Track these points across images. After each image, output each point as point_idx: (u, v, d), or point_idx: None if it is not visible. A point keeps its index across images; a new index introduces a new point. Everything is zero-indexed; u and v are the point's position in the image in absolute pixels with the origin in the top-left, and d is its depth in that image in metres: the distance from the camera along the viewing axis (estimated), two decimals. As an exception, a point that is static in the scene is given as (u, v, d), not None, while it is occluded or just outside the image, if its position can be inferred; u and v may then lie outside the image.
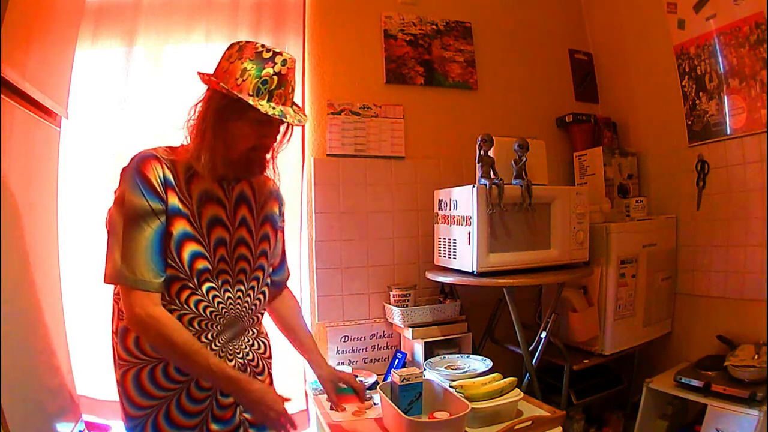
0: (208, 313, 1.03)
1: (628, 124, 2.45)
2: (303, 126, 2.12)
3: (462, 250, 1.81)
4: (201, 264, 1.02)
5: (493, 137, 1.80)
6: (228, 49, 1.04)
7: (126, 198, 0.95)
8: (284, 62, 1.01)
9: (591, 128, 2.43)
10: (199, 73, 1.03)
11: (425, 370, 1.72)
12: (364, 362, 2.05)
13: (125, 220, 0.95)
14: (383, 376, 1.98)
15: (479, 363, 1.76)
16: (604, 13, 2.53)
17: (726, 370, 1.69)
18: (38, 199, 1.46)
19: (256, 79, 0.98)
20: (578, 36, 2.61)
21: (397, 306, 1.97)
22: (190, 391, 1.04)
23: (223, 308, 1.06)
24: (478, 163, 1.80)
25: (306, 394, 1.95)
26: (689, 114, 2.09)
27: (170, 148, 1.06)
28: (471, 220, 1.73)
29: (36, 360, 1.36)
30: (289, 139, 1.13)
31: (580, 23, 2.62)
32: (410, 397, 1.42)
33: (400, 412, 1.32)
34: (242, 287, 1.11)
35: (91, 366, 1.78)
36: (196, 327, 1.02)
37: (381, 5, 2.19)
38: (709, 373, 1.74)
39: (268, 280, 1.22)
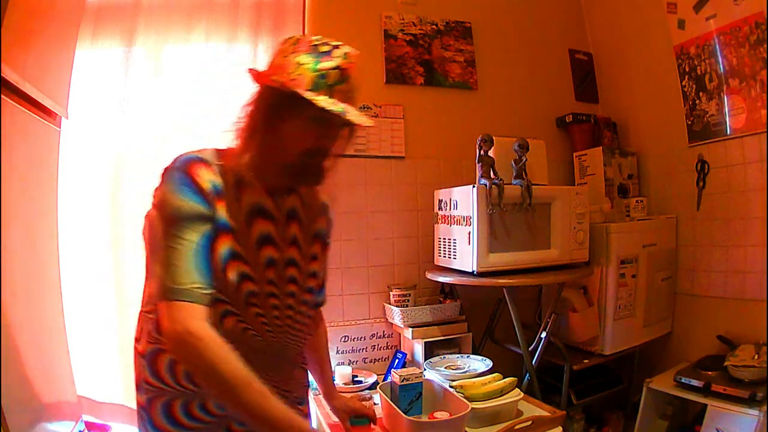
0: (254, 342, 0.90)
1: (628, 124, 2.45)
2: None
3: (462, 250, 1.81)
4: (248, 287, 0.88)
5: (493, 137, 1.80)
6: (281, 44, 0.92)
7: (168, 199, 0.82)
8: (345, 55, 0.89)
9: (591, 128, 2.43)
10: (250, 70, 0.91)
11: (425, 370, 1.72)
12: (364, 362, 2.04)
13: (166, 224, 0.81)
14: (383, 376, 1.98)
15: (479, 363, 1.76)
16: (604, 13, 2.53)
17: (726, 370, 1.69)
18: (38, 199, 1.46)
19: (314, 73, 0.85)
20: (578, 36, 2.61)
21: (397, 306, 1.97)
22: (230, 426, 0.91)
23: (271, 336, 0.93)
24: (478, 163, 1.80)
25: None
26: (689, 114, 2.09)
27: (217, 150, 0.92)
28: (471, 220, 1.73)
29: (36, 360, 1.36)
30: (351, 144, 0.98)
31: (580, 23, 2.62)
32: (410, 397, 1.42)
33: (400, 412, 1.32)
34: (290, 312, 0.97)
35: (91, 367, 1.78)
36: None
37: (381, 5, 2.19)
38: (709, 373, 1.74)
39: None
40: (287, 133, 0.89)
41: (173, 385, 0.88)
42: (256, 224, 0.92)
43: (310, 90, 0.85)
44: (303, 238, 1.02)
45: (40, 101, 1.37)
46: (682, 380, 1.76)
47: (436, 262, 2.03)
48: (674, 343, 2.18)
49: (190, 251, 0.80)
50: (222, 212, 0.86)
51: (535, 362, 1.81)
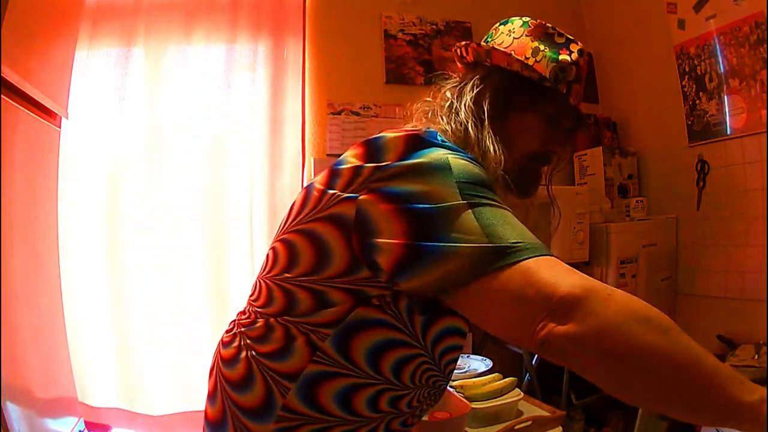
0: (434, 389, 0.72)
1: (628, 124, 2.45)
2: (299, 127, 2.08)
3: (462, 250, 1.80)
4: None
5: (493, 137, 1.80)
6: (503, 25, 0.79)
7: (454, 162, 0.59)
8: (581, 52, 0.77)
9: (591, 128, 2.43)
10: (472, 44, 0.76)
11: (425, 370, 1.72)
12: (364, 362, 2.04)
13: (462, 186, 0.59)
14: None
15: (479, 363, 1.76)
16: (604, 13, 2.53)
17: (726, 370, 1.69)
18: (38, 199, 1.46)
19: (554, 63, 0.73)
20: (578, 36, 2.59)
21: (397, 306, 1.97)
22: None
23: (443, 386, 0.75)
24: (478, 163, 1.80)
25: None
26: (689, 114, 2.09)
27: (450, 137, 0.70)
28: (471, 220, 1.73)
29: (36, 359, 1.36)
30: (570, 158, 0.82)
31: (579, 23, 2.62)
32: (410, 397, 1.42)
33: (400, 412, 1.32)
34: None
35: (88, 370, 1.78)
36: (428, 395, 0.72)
37: (381, 5, 2.19)
38: (709, 373, 1.74)
39: None
40: (515, 127, 0.73)
41: (342, 414, 0.63)
42: None
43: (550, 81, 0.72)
44: None
45: (40, 101, 1.37)
46: (682, 380, 1.76)
47: (436, 262, 2.02)
48: (674, 343, 2.18)
49: (509, 212, 0.61)
50: None
51: (535, 362, 1.81)
